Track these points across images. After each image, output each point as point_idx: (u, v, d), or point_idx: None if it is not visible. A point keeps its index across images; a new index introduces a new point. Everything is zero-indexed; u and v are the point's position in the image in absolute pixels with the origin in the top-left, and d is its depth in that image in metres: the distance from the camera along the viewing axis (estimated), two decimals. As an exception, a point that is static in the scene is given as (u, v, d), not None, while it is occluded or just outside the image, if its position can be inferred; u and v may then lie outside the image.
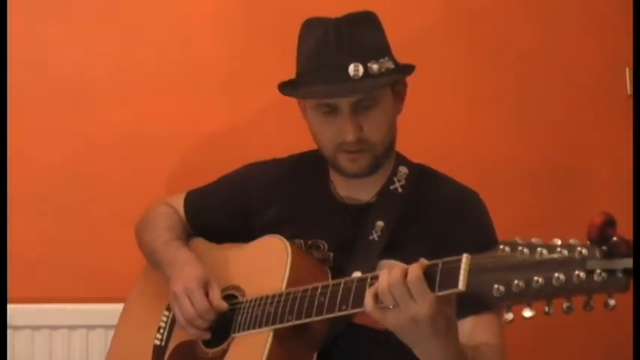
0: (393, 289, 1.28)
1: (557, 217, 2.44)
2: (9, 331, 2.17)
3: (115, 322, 2.00)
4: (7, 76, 2.22)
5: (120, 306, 2.02)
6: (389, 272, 1.30)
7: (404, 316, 1.28)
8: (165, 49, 2.39)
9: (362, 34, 1.66)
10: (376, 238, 1.66)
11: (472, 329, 1.56)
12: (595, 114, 2.56)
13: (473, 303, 1.54)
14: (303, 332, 1.57)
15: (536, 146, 2.52)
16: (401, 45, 2.42)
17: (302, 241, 1.72)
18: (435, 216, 1.68)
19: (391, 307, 1.29)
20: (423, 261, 1.30)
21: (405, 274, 1.28)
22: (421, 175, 1.77)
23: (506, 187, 2.45)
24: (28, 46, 2.33)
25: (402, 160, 1.78)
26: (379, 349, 1.60)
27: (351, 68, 1.62)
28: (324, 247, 1.71)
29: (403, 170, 1.75)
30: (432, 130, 2.48)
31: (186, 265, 1.72)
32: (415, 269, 1.28)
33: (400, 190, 1.73)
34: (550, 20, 2.57)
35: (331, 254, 1.69)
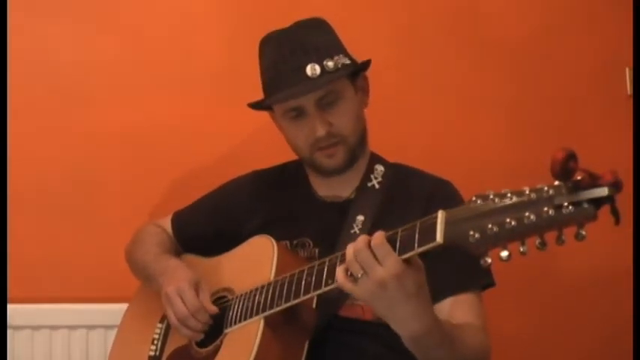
0: (358, 255, 1.31)
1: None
2: (9, 331, 2.17)
3: (115, 322, 2.00)
4: (7, 75, 2.22)
5: (120, 306, 2.03)
6: (354, 243, 1.34)
7: (372, 282, 1.31)
8: (165, 49, 2.39)
9: (313, 36, 1.75)
10: (357, 231, 1.71)
11: (451, 310, 1.59)
12: (595, 114, 2.56)
13: (450, 285, 1.60)
14: (293, 320, 1.60)
15: (535, 146, 2.52)
16: (396, 44, 2.44)
17: (287, 242, 1.77)
18: (412, 207, 1.72)
19: (359, 275, 1.32)
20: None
21: (369, 241, 1.32)
22: (396, 171, 1.85)
23: (505, 187, 2.45)
24: (28, 46, 2.33)
25: (377, 159, 1.86)
26: (367, 339, 1.65)
27: (308, 68, 1.70)
28: (310, 244, 1.76)
29: (379, 168, 1.83)
30: (432, 130, 2.49)
31: (178, 270, 1.77)
32: (378, 235, 1.33)
33: (377, 186, 1.80)
34: (550, 20, 2.57)
35: (317, 250, 1.74)
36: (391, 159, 1.89)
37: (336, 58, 1.72)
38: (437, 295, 1.45)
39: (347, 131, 1.75)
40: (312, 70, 1.69)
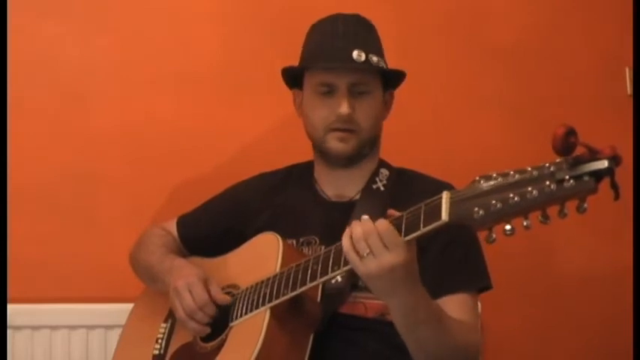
0: (368, 238, 1.37)
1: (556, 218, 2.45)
2: (9, 331, 2.17)
3: (115, 322, 2.00)
4: (7, 75, 2.22)
5: (120, 306, 2.04)
6: (361, 222, 1.40)
7: (380, 265, 1.35)
8: (165, 49, 2.39)
9: (365, 32, 1.83)
10: None
11: (445, 308, 1.61)
12: (595, 114, 2.56)
13: (447, 284, 1.64)
14: (298, 312, 1.61)
15: (535, 146, 2.51)
16: (398, 44, 2.44)
17: (294, 241, 1.79)
18: None
19: (365, 255, 1.37)
20: (392, 212, 1.41)
21: (375, 226, 1.37)
22: (401, 175, 1.89)
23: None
24: (27, 46, 2.33)
25: (384, 163, 1.91)
26: (369, 337, 1.68)
27: (355, 52, 1.77)
28: (316, 241, 1.79)
29: (385, 172, 1.88)
30: (431, 130, 2.49)
31: (185, 268, 1.79)
32: (383, 221, 1.38)
33: (382, 188, 1.84)
34: (550, 20, 2.57)
35: (322, 247, 1.75)
36: (390, 158, 1.91)
37: (379, 58, 1.80)
38: (433, 293, 1.49)
39: (365, 125, 1.79)
40: (358, 54, 1.76)
